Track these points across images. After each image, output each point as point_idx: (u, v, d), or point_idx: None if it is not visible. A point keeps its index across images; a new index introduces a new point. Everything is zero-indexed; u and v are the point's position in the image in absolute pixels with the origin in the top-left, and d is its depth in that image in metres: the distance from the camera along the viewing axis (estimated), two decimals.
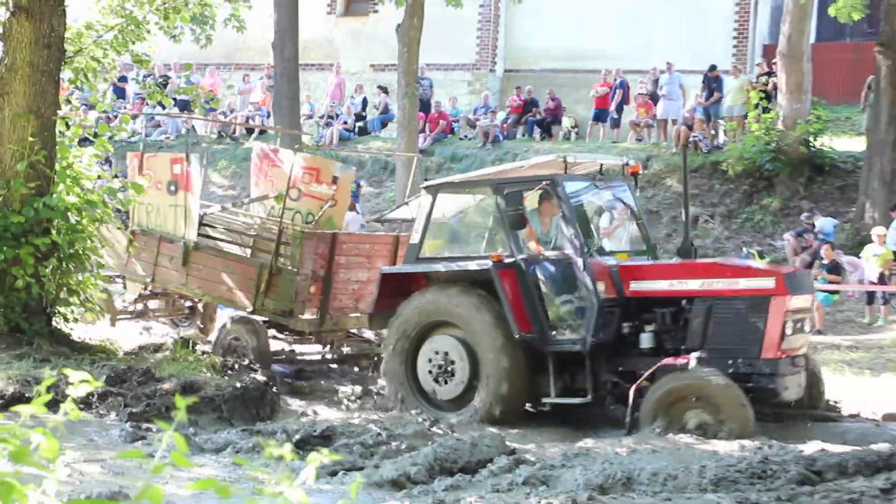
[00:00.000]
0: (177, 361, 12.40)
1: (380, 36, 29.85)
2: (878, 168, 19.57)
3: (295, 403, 12.28)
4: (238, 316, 13.80)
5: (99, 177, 13.92)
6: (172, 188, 13.78)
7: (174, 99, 23.31)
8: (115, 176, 15.87)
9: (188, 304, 15.57)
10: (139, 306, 15.38)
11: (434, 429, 10.16)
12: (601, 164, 12.31)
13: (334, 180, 14.52)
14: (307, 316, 13.21)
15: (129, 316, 15.33)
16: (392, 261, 13.66)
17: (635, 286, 11.13)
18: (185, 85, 17.90)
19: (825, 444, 9.06)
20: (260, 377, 11.72)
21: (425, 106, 26.98)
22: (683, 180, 12.62)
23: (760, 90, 23.40)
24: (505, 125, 27.36)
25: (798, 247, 19.43)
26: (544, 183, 11.44)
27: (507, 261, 11.25)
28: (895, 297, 17.60)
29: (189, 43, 28.94)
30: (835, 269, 17.83)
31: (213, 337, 14.28)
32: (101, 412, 10.45)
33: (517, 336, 11.03)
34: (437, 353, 11.51)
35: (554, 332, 11.22)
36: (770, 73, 24.30)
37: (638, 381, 10.45)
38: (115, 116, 21.83)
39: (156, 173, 13.92)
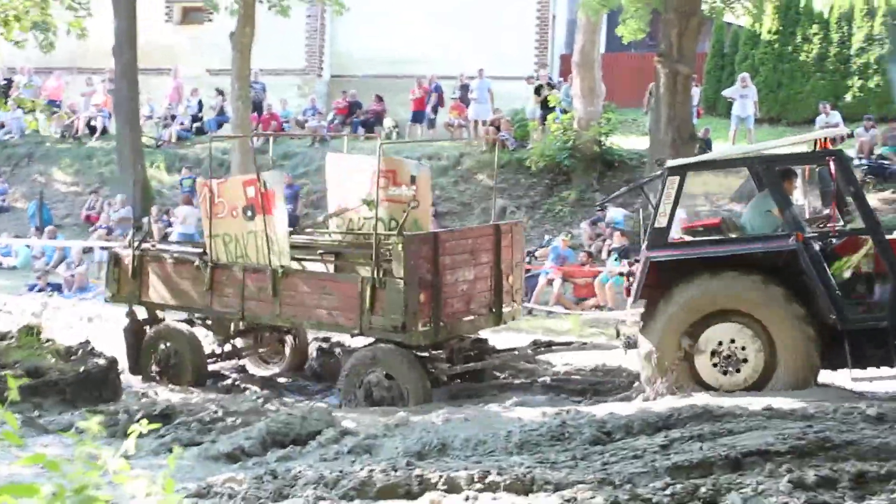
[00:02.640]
0: (21, 348, 11.90)
1: (215, 42, 29.31)
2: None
3: (137, 385, 11.99)
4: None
5: None
6: (249, 213, 11.67)
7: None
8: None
9: (276, 337, 13.39)
10: (227, 347, 13.16)
11: (267, 405, 10.07)
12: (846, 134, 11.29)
13: (412, 180, 12.29)
14: (421, 328, 10.94)
15: (215, 359, 13.10)
16: (496, 253, 11.90)
17: None
18: (26, 90, 17.09)
19: (614, 408, 9.33)
20: (102, 361, 11.10)
21: (258, 108, 26.79)
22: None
23: (550, 95, 24.08)
24: (331, 126, 27.29)
25: (593, 234, 19.93)
26: (828, 158, 10.35)
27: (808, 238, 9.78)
28: None
29: (33, 48, 27.84)
30: (625, 253, 18.30)
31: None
32: None
33: (834, 318, 9.69)
34: (720, 342, 9.92)
35: (856, 309, 9.86)
36: (550, 84, 24.93)
37: None
38: None
39: (229, 200, 11.86)
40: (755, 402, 8.68)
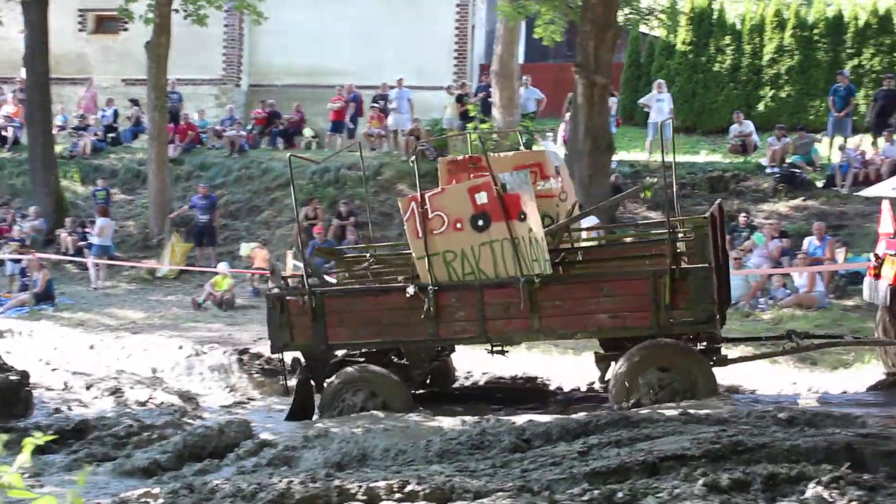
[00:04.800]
0: None
1: (130, 52, 29.01)
2: (577, 173, 20.34)
3: (50, 400, 11.73)
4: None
5: None
6: (481, 223, 10.21)
7: None
8: None
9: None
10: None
11: (185, 418, 9.95)
12: None
13: (557, 171, 11.64)
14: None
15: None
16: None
17: None
18: None
19: (534, 416, 9.39)
20: (12, 375, 10.71)
21: (175, 118, 26.48)
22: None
23: (469, 105, 24.22)
24: (250, 136, 27.10)
25: None
26: None
27: None
28: None
29: None
30: None
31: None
32: None
33: None
34: None
35: None
36: (463, 96, 25.06)
37: None
38: None
39: (450, 212, 10.25)
40: (672, 408, 8.81)
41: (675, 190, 11.16)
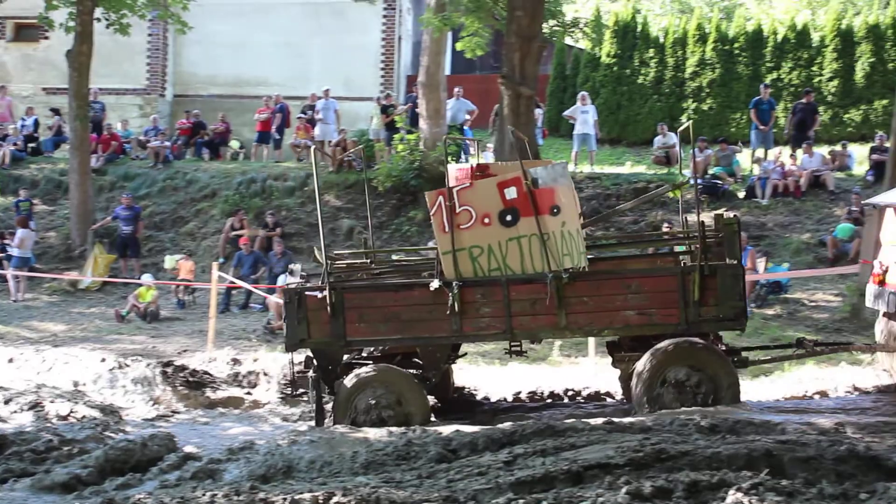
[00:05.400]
0: None
1: (51, 61, 28.66)
2: None
3: None
4: None
5: None
6: (509, 218, 10.14)
7: None
8: None
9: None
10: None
11: (107, 432, 9.79)
12: None
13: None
14: None
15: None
16: None
17: None
18: None
19: (460, 426, 9.41)
20: None
21: (98, 128, 26.09)
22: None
23: (396, 115, 24.25)
24: (175, 146, 26.79)
25: None
26: None
27: None
28: None
29: None
30: None
31: None
32: None
33: None
34: None
35: None
36: (389, 107, 25.10)
37: None
38: None
39: (478, 207, 10.20)
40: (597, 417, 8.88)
41: (696, 193, 11.24)
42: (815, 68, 28.34)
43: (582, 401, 12.23)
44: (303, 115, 26.36)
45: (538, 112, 23.97)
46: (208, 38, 29.07)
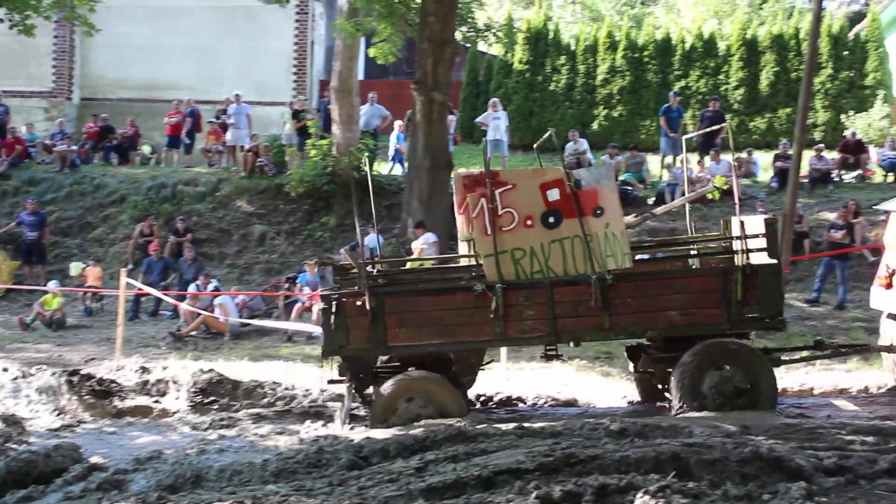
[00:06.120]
0: None
1: None
2: (416, 189, 20.52)
3: None
4: None
5: None
6: (552, 220, 10.14)
7: None
8: None
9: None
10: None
11: (9, 444, 9.54)
12: None
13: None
14: None
15: None
16: None
17: None
18: None
19: (371, 432, 9.38)
20: None
21: (1, 131, 25.48)
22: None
23: (308, 120, 24.15)
24: (82, 150, 26.27)
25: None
26: None
27: None
28: None
29: None
30: None
31: None
32: None
33: None
34: None
35: None
36: (300, 111, 24.99)
37: None
38: None
39: (521, 209, 10.16)
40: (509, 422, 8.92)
41: (737, 195, 11.25)
42: (721, 77, 28.93)
43: (494, 406, 12.28)
44: (214, 120, 26.07)
45: (451, 118, 24.04)
46: (118, 41, 28.60)
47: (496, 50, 30.29)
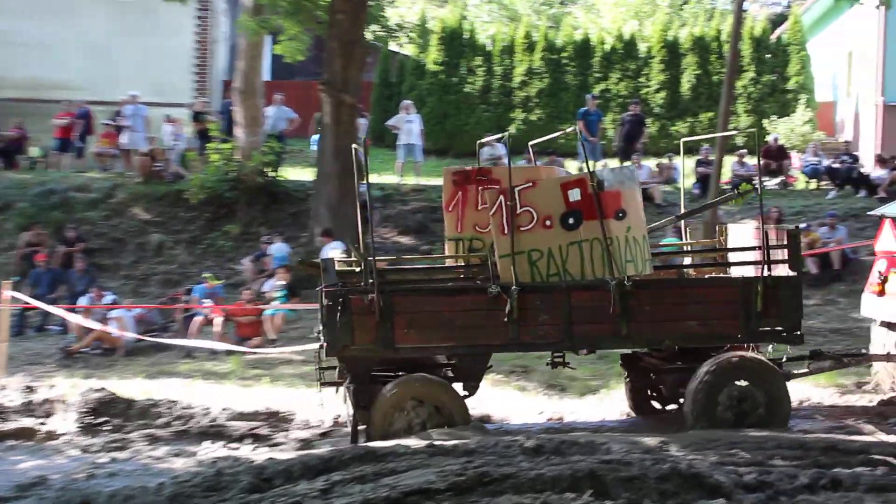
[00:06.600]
0: None
1: None
2: (325, 196, 20.41)
3: None
4: None
5: None
6: (571, 221, 10.00)
7: None
8: None
9: None
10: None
11: None
12: None
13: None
14: None
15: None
16: None
17: None
18: None
19: (274, 453, 9.28)
20: None
21: None
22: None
23: (210, 123, 23.94)
24: None
25: (256, 270, 19.81)
26: None
27: None
28: None
29: None
30: (293, 289, 18.24)
31: None
32: None
33: None
34: None
35: None
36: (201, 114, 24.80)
37: None
38: None
39: (541, 208, 10.01)
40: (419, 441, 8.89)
41: (761, 202, 11.20)
42: (642, 79, 29.36)
43: None
44: (108, 122, 25.66)
45: (362, 121, 24.00)
46: (2, 37, 28.03)
47: (409, 50, 30.34)
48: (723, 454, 8.39)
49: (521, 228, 10.02)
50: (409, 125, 24.72)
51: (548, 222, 10.00)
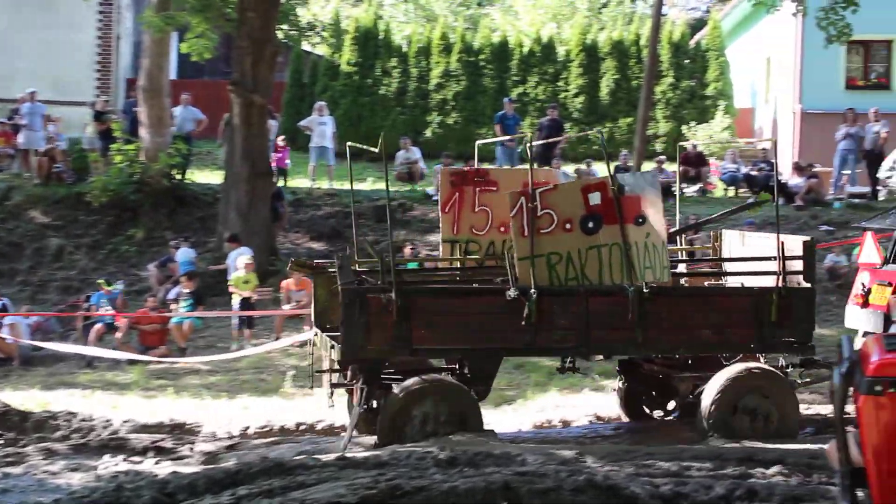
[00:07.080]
0: None
1: None
2: (234, 200, 20.23)
3: None
4: None
5: None
6: (591, 225, 10.05)
7: None
8: None
9: None
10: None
11: None
12: None
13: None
14: None
15: None
16: None
17: None
18: None
19: (178, 467, 9.18)
20: None
21: None
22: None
23: (113, 123, 23.64)
24: None
25: (162, 276, 19.56)
26: None
27: None
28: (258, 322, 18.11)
29: None
30: (200, 296, 18.00)
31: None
32: None
33: None
34: None
35: None
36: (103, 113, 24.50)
37: None
38: None
39: (561, 211, 10.04)
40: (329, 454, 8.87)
41: (777, 213, 11.38)
42: (561, 83, 29.62)
43: (315, 436, 12.18)
44: (5, 121, 25.18)
45: (272, 123, 23.87)
46: None
47: (322, 50, 30.24)
48: (639, 465, 8.50)
49: (543, 231, 10.10)
50: (322, 127, 24.65)
51: (568, 225, 10.11)
